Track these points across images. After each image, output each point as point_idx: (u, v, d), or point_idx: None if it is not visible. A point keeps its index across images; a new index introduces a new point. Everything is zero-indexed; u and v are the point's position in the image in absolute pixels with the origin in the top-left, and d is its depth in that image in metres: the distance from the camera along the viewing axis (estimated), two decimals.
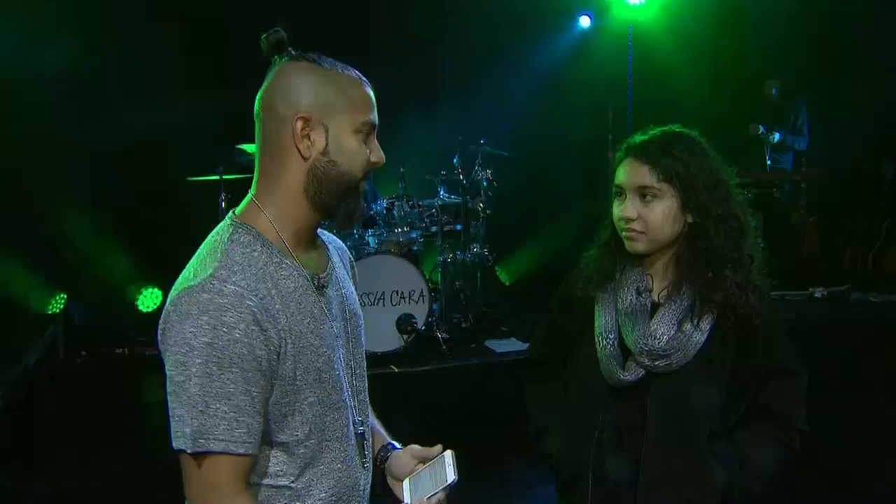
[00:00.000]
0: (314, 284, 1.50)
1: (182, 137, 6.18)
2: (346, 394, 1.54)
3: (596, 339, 1.91)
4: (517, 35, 7.86)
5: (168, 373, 1.35)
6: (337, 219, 1.52)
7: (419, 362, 5.17)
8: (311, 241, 1.55)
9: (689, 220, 1.84)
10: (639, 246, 1.86)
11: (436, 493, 1.56)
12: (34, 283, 6.40)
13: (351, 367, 1.59)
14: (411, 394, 4.93)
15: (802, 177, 7.35)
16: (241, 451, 1.35)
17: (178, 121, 6.27)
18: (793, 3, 7.58)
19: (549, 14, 8.09)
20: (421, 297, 5.31)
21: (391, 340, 5.22)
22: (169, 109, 6.30)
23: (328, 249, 1.63)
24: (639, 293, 1.88)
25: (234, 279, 1.36)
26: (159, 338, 1.39)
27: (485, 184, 6.18)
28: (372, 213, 5.76)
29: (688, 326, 1.81)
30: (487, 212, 6.17)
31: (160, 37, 6.48)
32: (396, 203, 5.78)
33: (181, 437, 1.34)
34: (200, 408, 1.32)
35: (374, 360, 5.10)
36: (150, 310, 6.80)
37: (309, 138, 1.43)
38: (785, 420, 1.87)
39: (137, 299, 6.81)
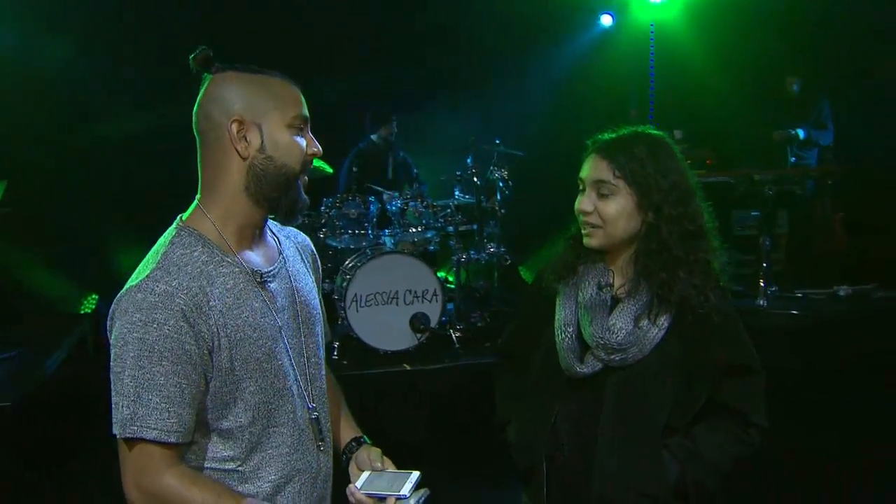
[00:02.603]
0: (255, 279, 1.59)
1: None
2: (291, 381, 1.63)
3: (555, 332, 1.96)
4: (537, 34, 7.88)
5: (110, 365, 1.47)
6: (280, 212, 1.63)
7: (432, 361, 5.24)
8: (256, 238, 1.65)
9: (646, 219, 1.88)
10: (594, 241, 1.91)
11: (382, 496, 1.64)
12: (68, 284, 6.61)
13: (304, 356, 1.68)
14: (423, 391, 5.00)
15: (821, 172, 7.26)
16: (172, 440, 1.46)
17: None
18: None
19: (570, 13, 8.12)
20: (434, 297, 5.38)
21: (404, 339, 5.29)
22: (186, 104, 6.44)
23: (281, 244, 1.73)
24: (600, 287, 1.93)
25: (166, 279, 1.48)
26: (107, 333, 1.51)
27: (500, 184, 6.22)
28: (387, 213, 5.85)
29: (644, 322, 1.85)
30: (502, 211, 6.22)
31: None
32: (411, 203, 5.85)
33: (116, 423, 1.46)
34: (133, 397, 1.43)
35: (388, 358, 5.21)
36: None
37: (245, 139, 1.54)
38: (741, 416, 1.90)
39: None
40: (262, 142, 1.54)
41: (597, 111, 8.04)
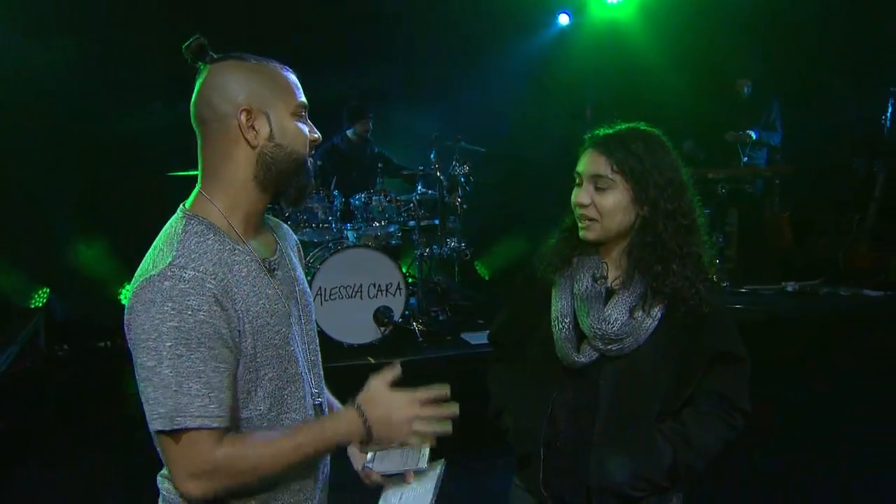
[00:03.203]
0: (266, 267, 1.60)
1: (163, 131, 6.23)
2: (301, 367, 1.65)
3: (552, 323, 2.01)
4: (496, 32, 7.93)
5: (138, 360, 1.43)
6: (287, 197, 1.63)
7: (396, 354, 5.22)
8: (259, 227, 1.66)
9: (641, 213, 1.93)
10: (591, 234, 1.96)
11: (399, 472, 1.65)
12: (17, 278, 6.45)
13: (305, 342, 1.70)
14: None
15: (774, 172, 7.48)
16: (216, 424, 1.44)
17: (160, 115, 6.33)
18: (768, 0, 7.72)
19: (528, 11, 8.17)
20: (398, 290, 5.41)
21: (368, 332, 5.31)
22: (148, 105, 6.36)
23: (275, 234, 1.74)
24: (594, 279, 1.98)
25: (192, 265, 1.45)
26: (125, 329, 1.47)
27: (462, 179, 6.27)
28: (350, 207, 5.85)
29: (639, 313, 1.91)
30: (464, 207, 6.26)
31: (141, 33, 6.52)
32: (374, 197, 5.88)
33: (158, 419, 1.42)
34: (174, 388, 1.41)
35: (352, 351, 5.21)
36: None
37: (254, 128, 1.53)
38: (728, 402, 1.96)
39: (119, 293, 6.88)
40: (271, 130, 1.54)
41: (555, 109, 8.15)
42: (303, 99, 1.60)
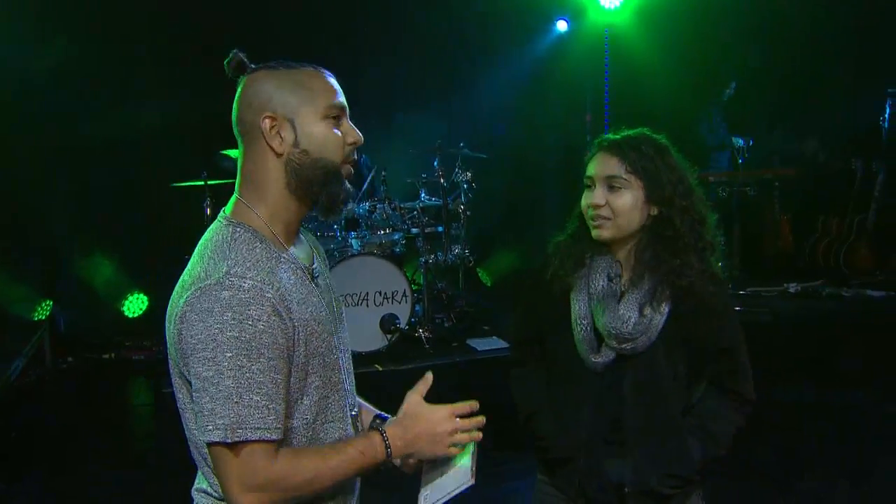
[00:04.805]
0: (310, 275, 1.60)
1: (166, 143, 6.25)
2: (343, 375, 1.64)
3: (573, 325, 2.04)
4: (495, 40, 7.98)
5: (192, 370, 1.41)
6: (319, 206, 1.59)
7: (402, 361, 5.27)
8: (297, 235, 1.65)
9: (654, 212, 1.99)
10: (605, 233, 2.00)
11: (455, 496, 1.64)
12: (20, 290, 6.43)
13: (342, 350, 1.69)
14: (395, 392, 4.99)
15: (775, 174, 7.53)
16: (274, 437, 1.43)
17: (161, 126, 6.34)
18: (766, 3, 7.77)
19: (526, 19, 8.21)
20: (404, 298, 5.42)
21: (375, 340, 5.32)
22: (152, 115, 6.36)
23: (309, 242, 1.73)
24: (610, 279, 2.02)
25: (250, 275, 1.43)
26: (175, 339, 1.44)
27: (465, 186, 6.29)
28: (354, 215, 5.86)
29: (648, 310, 1.96)
30: (468, 213, 6.29)
31: (143, 41, 6.54)
32: (378, 205, 5.89)
33: (216, 430, 1.39)
34: (235, 399, 1.39)
35: (359, 359, 5.19)
36: (135, 315, 6.88)
37: (279, 135, 1.52)
38: (738, 395, 2.04)
39: (123, 305, 6.87)
40: (296, 136, 1.52)
41: (555, 115, 8.18)
42: (339, 100, 1.57)
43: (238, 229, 1.52)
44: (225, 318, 1.39)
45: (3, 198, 6.15)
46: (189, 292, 1.43)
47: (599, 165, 2.01)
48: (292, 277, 1.53)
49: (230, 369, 1.39)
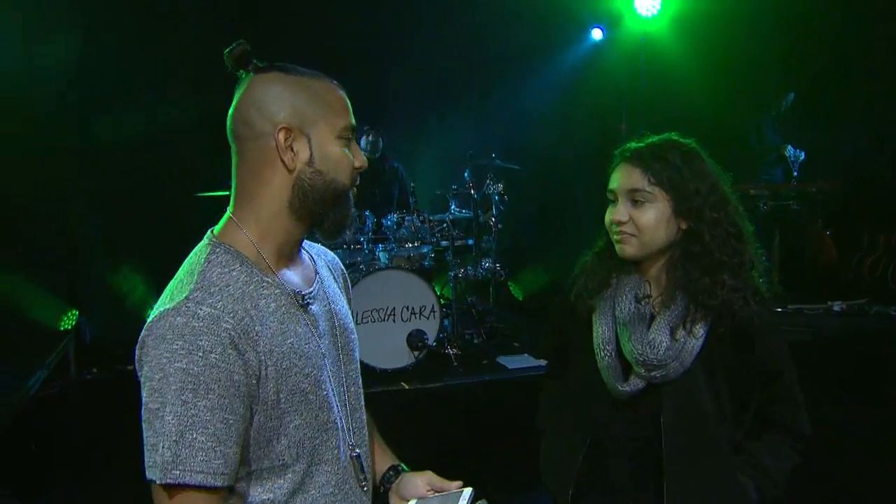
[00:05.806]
0: (298, 302, 1.44)
1: (191, 152, 6.18)
2: (336, 414, 1.48)
3: (595, 351, 1.89)
4: (529, 49, 7.86)
5: (143, 399, 1.29)
6: (324, 230, 1.46)
7: (430, 379, 5.10)
8: (294, 257, 1.51)
9: (683, 226, 1.83)
10: (629, 249, 1.84)
11: None
12: (47, 300, 6.39)
13: (344, 385, 1.53)
14: (422, 410, 4.86)
15: (818, 188, 7.27)
16: (218, 483, 1.28)
17: (188, 131, 6.29)
18: (807, 8, 7.50)
19: (561, 28, 8.10)
20: (432, 313, 5.26)
21: (402, 357, 5.16)
22: (181, 128, 6.32)
23: (315, 263, 1.58)
24: (637, 300, 1.86)
25: (210, 301, 1.31)
26: (136, 363, 1.33)
27: (496, 198, 6.14)
28: (382, 227, 5.73)
29: (681, 333, 1.79)
30: (499, 226, 6.14)
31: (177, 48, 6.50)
32: (407, 218, 5.75)
33: (153, 468, 1.27)
34: (175, 437, 1.25)
35: (385, 376, 5.07)
36: None
37: (292, 150, 1.38)
38: (790, 430, 1.88)
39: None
40: (311, 154, 1.39)
41: (589, 125, 8.03)
42: (351, 121, 1.44)
43: (217, 250, 1.39)
44: (175, 346, 1.26)
45: (31, 207, 6.13)
46: (152, 316, 1.30)
47: (622, 178, 1.85)
48: (272, 304, 1.39)
49: (173, 404, 1.25)
